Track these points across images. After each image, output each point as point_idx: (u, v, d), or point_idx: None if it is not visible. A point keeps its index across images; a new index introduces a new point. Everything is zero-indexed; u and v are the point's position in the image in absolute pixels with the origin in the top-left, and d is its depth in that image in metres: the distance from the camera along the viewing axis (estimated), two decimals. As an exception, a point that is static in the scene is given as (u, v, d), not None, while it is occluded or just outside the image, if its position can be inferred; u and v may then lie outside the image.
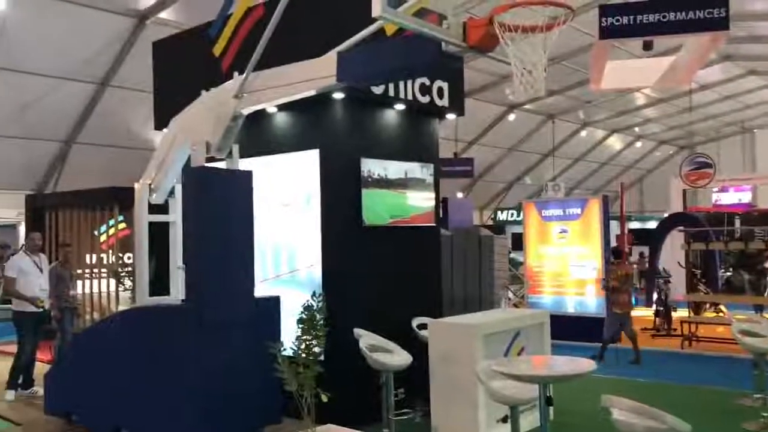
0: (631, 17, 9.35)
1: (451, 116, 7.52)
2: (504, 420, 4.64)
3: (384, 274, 6.78)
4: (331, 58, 5.07)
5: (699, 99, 22.51)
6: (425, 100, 7.01)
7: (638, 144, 30.28)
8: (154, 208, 6.44)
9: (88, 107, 15.34)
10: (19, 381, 7.91)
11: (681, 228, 13.66)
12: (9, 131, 14.42)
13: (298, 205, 6.78)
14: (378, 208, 6.70)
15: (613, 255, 10.62)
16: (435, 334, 5.99)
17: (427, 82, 7.01)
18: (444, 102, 7.20)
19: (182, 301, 6.05)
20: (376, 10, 4.05)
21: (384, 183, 6.75)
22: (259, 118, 6.73)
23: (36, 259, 7.98)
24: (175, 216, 6.45)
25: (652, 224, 20.78)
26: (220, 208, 5.79)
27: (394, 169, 6.85)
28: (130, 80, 14.57)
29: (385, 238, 6.80)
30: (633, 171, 31.96)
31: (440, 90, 7.14)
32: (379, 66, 5.02)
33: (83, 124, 15.68)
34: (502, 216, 22.46)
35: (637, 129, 28.20)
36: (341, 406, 5.22)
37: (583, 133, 26.86)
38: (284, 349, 4.56)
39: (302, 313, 4.60)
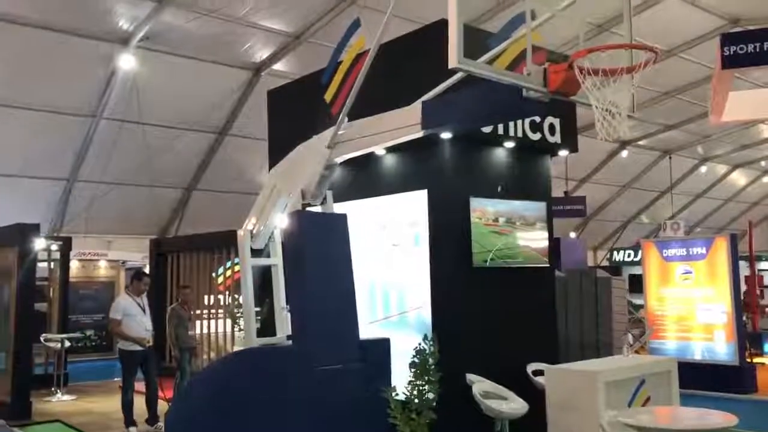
0: (757, 45, 8.83)
1: (563, 153, 7.28)
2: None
3: (495, 316, 6.58)
4: (416, 107, 5.18)
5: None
6: (536, 137, 6.84)
7: (765, 179, 28.43)
8: (258, 253, 6.62)
9: (207, 155, 16.08)
10: (133, 416, 8.20)
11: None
12: (137, 180, 15.29)
13: (407, 245, 6.73)
14: (488, 247, 6.54)
15: None
16: (553, 380, 5.70)
17: (538, 119, 6.85)
18: (556, 138, 7.00)
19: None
20: (452, 61, 4.14)
21: (494, 222, 6.60)
22: (368, 160, 6.78)
23: (139, 301, 8.32)
24: (276, 259, 6.64)
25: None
26: (318, 250, 5.90)
27: (504, 208, 6.69)
28: (245, 129, 15.21)
29: (496, 278, 6.62)
30: (760, 208, 29.97)
31: (551, 126, 6.96)
32: (460, 114, 5.08)
33: (203, 172, 16.42)
34: (618, 256, 21.50)
35: (763, 163, 26.51)
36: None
37: (703, 169, 25.51)
38: (396, 394, 4.44)
39: (414, 357, 4.48)
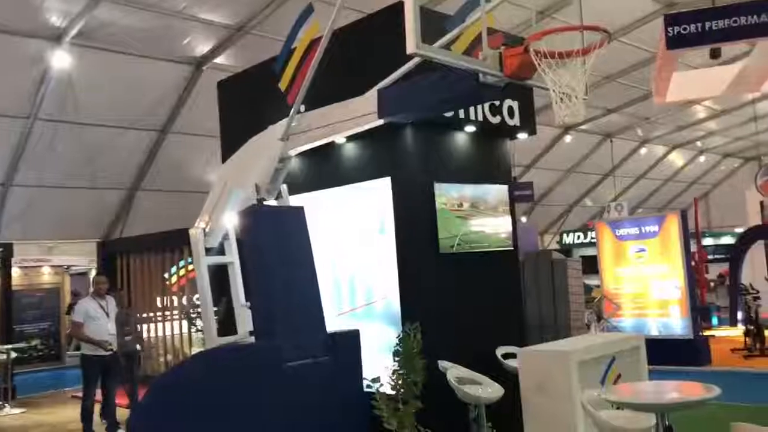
0: (700, 25, 8.98)
1: (522, 136, 7.26)
2: (616, 453, 4.29)
3: (464, 302, 6.52)
4: (372, 95, 5.11)
5: (764, 108, 21.69)
6: (496, 120, 6.79)
7: (701, 158, 29.35)
8: (211, 251, 6.47)
9: (150, 154, 15.60)
10: (93, 425, 7.98)
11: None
12: (77, 182, 14.72)
13: (371, 234, 6.61)
14: (454, 233, 6.47)
15: None
16: (526, 363, 5.67)
17: (497, 103, 6.81)
18: (515, 121, 6.97)
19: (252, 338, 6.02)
20: (410, 47, 4.11)
21: (458, 207, 6.53)
22: (328, 148, 6.63)
23: (102, 303, 8.09)
24: (231, 257, 6.51)
25: (726, 240, 19.94)
26: (277, 245, 5.79)
27: (468, 192, 6.63)
28: (189, 126, 14.79)
29: (463, 264, 6.55)
30: (697, 186, 30.95)
31: (510, 109, 6.92)
32: (418, 101, 5.04)
33: (146, 171, 15.94)
34: (568, 239, 21.85)
35: (699, 143, 27.35)
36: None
37: (643, 151, 26.15)
38: (381, 385, 4.31)
39: (398, 345, 4.36)
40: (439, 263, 6.39)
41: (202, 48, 13.48)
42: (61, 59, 11.79)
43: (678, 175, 29.48)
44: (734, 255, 13.83)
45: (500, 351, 6.44)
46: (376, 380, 4.28)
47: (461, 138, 6.80)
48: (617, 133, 23.82)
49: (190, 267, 10.77)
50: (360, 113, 5.27)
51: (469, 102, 6.10)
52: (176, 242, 10.38)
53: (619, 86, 18.58)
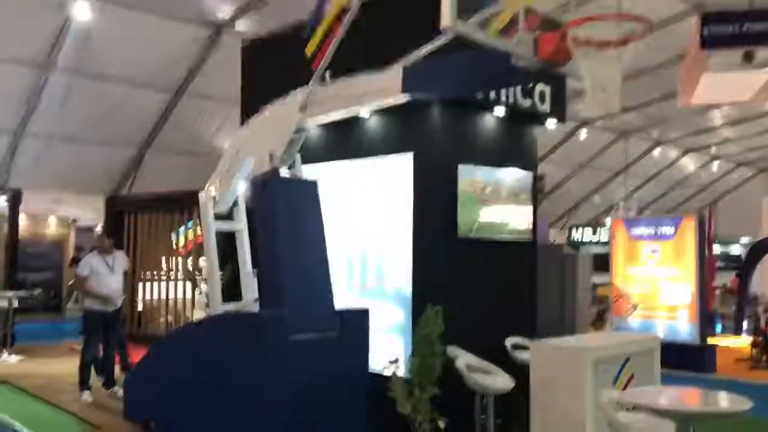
0: (737, 25, 8.76)
1: (551, 122, 7.08)
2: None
3: (477, 289, 6.38)
4: (396, 71, 4.94)
5: (784, 119, 21.42)
6: (527, 104, 6.61)
7: (714, 165, 29.09)
8: (220, 218, 6.39)
9: (163, 115, 15.47)
10: (90, 380, 7.93)
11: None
12: (89, 137, 14.64)
13: (388, 211, 6.46)
14: (474, 217, 6.32)
15: None
16: (538, 356, 5.53)
17: (530, 85, 6.62)
18: (545, 107, 6.78)
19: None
20: (445, 20, 4.01)
21: (481, 191, 6.37)
22: (349, 119, 6.45)
23: (108, 259, 8.02)
24: (240, 224, 6.44)
25: (735, 249, 19.77)
26: (289, 215, 5.71)
27: (491, 176, 6.46)
28: (203, 90, 14.66)
29: (480, 250, 6.40)
30: (706, 194, 30.72)
31: (542, 94, 6.73)
32: (445, 80, 4.89)
33: (158, 132, 15.83)
34: (576, 235, 21.68)
35: (713, 149, 27.06)
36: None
37: (656, 153, 25.90)
38: (398, 368, 4.17)
39: (419, 329, 4.23)
40: (456, 247, 6.24)
41: (224, 13, 13.29)
42: (81, 11, 11.63)
43: (688, 180, 29.24)
44: (744, 265, 13.71)
45: (509, 342, 6.31)
46: (393, 362, 4.13)
47: (489, 120, 6.61)
48: (632, 132, 23.58)
49: (199, 231, 10.66)
50: (383, 88, 5.11)
51: (498, 84, 5.94)
52: (186, 204, 10.25)
53: (639, 85, 18.30)
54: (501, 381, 5.42)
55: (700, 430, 3.97)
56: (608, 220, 24.81)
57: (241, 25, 13.50)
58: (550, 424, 5.37)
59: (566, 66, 4.70)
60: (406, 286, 6.25)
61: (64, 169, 14.72)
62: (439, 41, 4.68)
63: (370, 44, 6.13)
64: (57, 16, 11.91)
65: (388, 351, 6.25)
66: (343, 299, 6.41)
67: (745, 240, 24.39)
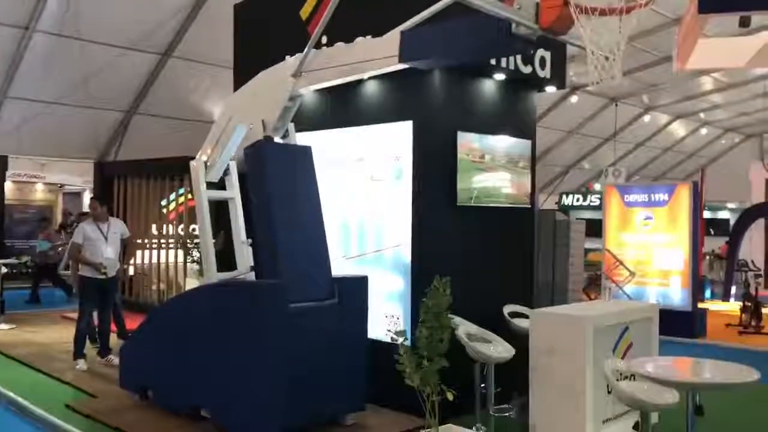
0: (735, -11, 8.65)
1: (550, 89, 6.98)
2: (635, 427, 4.18)
3: (476, 257, 6.34)
4: (394, 37, 4.82)
5: (770, 85, 21.36)
6: (527, 70, 6.49)
7: (703, 131, 29.10)
8: (212, 186, 6.30)
9: (150, 77, 15.16)
10: (84, 349, 7.89)
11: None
12: (73, 100, 14.29)
13: (387, 179, 6.37)
14: (473, 185, 6.25)
15: None
16: (538, 325, 5.52)
17: (530, 53, 6.50)
18: (546, 73, 6.67)
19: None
20: None
21: (480, 159, 6.29)
22: (348, 86, 6.31)
23: (103, 227, 7.93)
24: (233, 192, 6.35)
25: (723, 214, 19.88)
26: (283, 182, 5.64)
27: (491, 144, 6.38)
28: (191, 52, 14.32)
29: (479, 218, 6.35)
30: (695, 159, 30.80)
31: (542, 60, 6.60)
32: (443, 47, 4.75)
33: (145, 95, 15.52)
34: (566, 200, 21.73)
35: (702, 115, 27.04)
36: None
37: (646, 118, 25.82)
38: (405, 339, 4.12)
39: (427, 299, 4.18)
40: (455, 215, 6.18)
41: (213, -30, 12.95)
42: (64, -30, 11.24)
43: (677, 146, 29.27)
44: (734, 231, 13.78)
45: (507, 309, 6.30)
46: (400, 333, 4.08)
47: (489, 86, 6.50)
48: (623, 97, 23.47)
49: (189, 196, 10.51)
50: (380, 55, 4.99)
51: (498, 52, 5.79)
52: (177, 170, 10.10)
53: (630, 51, 18.09)
54: (502, 350, 5.41)
55: (704, 397, 3.97)
56: (597, 186, 24.92)
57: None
58: (550, 392, 5.38)
59: (567, 34, 4.64)
60: (405, 254, 6.19)
61: (49, 133, 14.44)
62: (437, 6, 4.57)
63: (368, 5, 5.98)
64: (39, -26, 11.55)
65: (388, 318, 6.27)
66: (341, 267, 6.37)
67: (731, 205, 24.52)
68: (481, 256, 6.40)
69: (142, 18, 13.31)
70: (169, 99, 15.52)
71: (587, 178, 26.39)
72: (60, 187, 15.29)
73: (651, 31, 16.87)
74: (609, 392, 5.29)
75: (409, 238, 6.16)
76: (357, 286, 5.89)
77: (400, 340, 3.98)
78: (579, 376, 5.16)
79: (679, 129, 28.21)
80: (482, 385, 5.60)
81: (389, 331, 4.36)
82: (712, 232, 15.77)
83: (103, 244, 7.84)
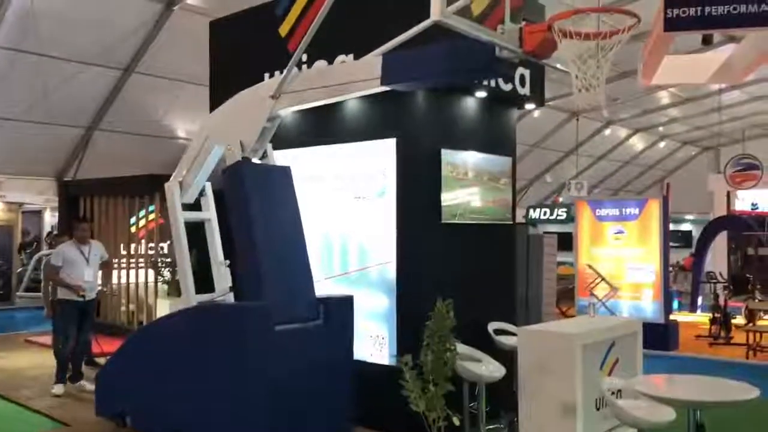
0: (699, 9, 8.81)
1: (530, 106, 7.01)
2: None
3: (462, 274, 6.30)
4: (375, 60, 4.83)
5: (726, 99, 21.98)
6: (507, 88, 6.51)
7: (661, 144, 29.76)
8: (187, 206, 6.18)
9: (111, 93, 14.87)
10: (68, 374, 7.66)
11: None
12: (32, 116, 13.95)
13: (370, 197, 6.30)
14: (458, 202, 6.22)
15: None
16: (525, 342, 5.48)
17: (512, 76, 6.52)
18: (526, 90, 6.70)
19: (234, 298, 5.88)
20: (435, 13, 3.91)
21: (464, 176, 6.27)
22: (332, 103, 6.25)
23: (84, 249, 7.73)
24: (209, 213, 6.24)
25: (686, 226, 20.28)
26: (263, 202, 5.57)
27: (473, 161, 6.37)
28: (154, 67, 14.10)
29: (464, 235, 6.32)
30: (654, 172, 31.46)
31: (522, 77, 6.64)
32: (426, 70, 4.77)
33: (106, 111, 15.21)
34: (534, 214, 21.95)
35: (661, 129, 27.68)
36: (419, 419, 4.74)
37: (607, 132, 26.32)
38: (407, 364, 4.03)
39: (431, 322, 4.11)
40: (440, 232, 6.14)
41: (174, -14, 12.77)
42: (22, -17, 10.97)
43: (637, 159, 29.86)
44: (700, 243, 14.05)
45: (492, 327, 6.26)
46: (405, 357, 3.99)
47: (471, 103, 6.50)
48: (584, 112, 23.86)
49: (159, 214, 10.28)
50: (362, 77, 4.97)
51: (481, 75, 5.84)
52: (145, 188, 9.87)
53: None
54: (493, 368, 5.37)
55: (704, 415, 3.98)
56: (561, 199, 25.21)
57: (194, 0, 13.01)
58: (540, 409, 5.34)
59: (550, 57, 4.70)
60: (391, 272, 6.12)
61: (6, 150, 14.07)
62: (418, 28, 4.53)
63: (350, 21, 5.92)
64: (-4, -12, 11.25)
65: (372, 338, 6.18)
66: (323, 286, 6.27)
67: (690, 216, 25.07)
68: (465, 273, 6.36)
69: (103, 34, 13.07)
70: (131, 115, 15.24)
71: (550, 191, 26.71)
72: (20, 206, 14.81)
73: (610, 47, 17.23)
74: (598, 409, 5.32)
75: (394, 255, 6.10)
76: (343, 307, 5.81)
77: (406, 363, 3.89)
78: (569, 393, 5.13)
79: (638, 142, 28.80)
80: (471, 405, 5.55)
81: (394, 356, 4.26)
82: (676, 245, 16.00)
83: (84, 266, 7.62)
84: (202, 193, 6.22)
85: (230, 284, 6.06)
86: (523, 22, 4.38)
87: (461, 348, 5.52)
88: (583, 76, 4.43)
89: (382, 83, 4.83)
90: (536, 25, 4.33)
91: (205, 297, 6.01)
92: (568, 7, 4.69)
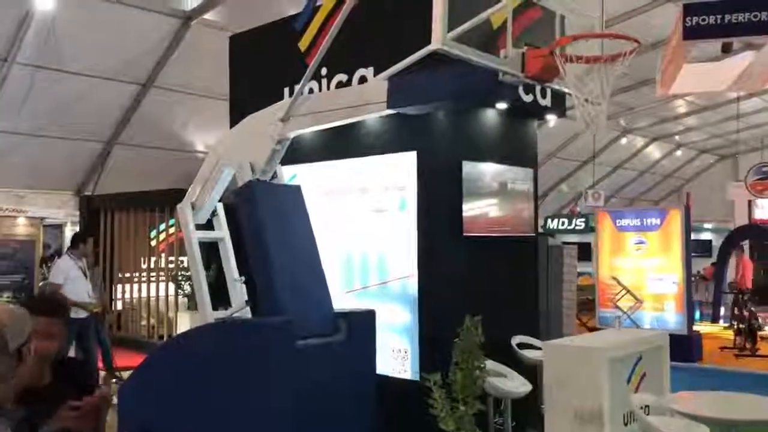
0: (719, 16, 8.75)
1: (551, 117, 6.97)
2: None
3: (484, 288, 6.25)
4: (381, 84, 4.85)
5: (744, 107, 21.79)
6: (529, 98, 6.47)
7: (678, 153, 29.55)
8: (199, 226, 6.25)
9: (130, 108, 14.99)
10: None
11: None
12: (52, 131, 14.10)
13: (391, 211, 6.27)
14: (480, 215, 6.17)
15: None
16: (551, 356, 5.41)
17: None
18: (546, 101, 6.66)
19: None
20: (436, 42, 4.01)
21: (485, 188, 6.23)
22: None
23: (81, 264, 7.77)
24: (222, 233, 6.28)
25: (706, 235, 20.07)
26: (275, 220, 5.58)
27: (495, 173, 6.33)
28: (172, 82, 14.23)
29: (486, 248, 6.27)
30: (671, 180, 31.23)
31: (543, 89, 6.60)
32: (431, 94, 4.78)
33: (125, 125, 15.34)
34: (552, 224, 21.83)
35: (677, 137, 27.50)
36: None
37: (623, 141, 26.18)
38: (435, 383, 3.98)
39: (460, 339, 4.06)
40: (462, 246, 6.10)
41: (193, 1, 12.86)
42: (44, 1, 11.09)
43: (653, 168, 29.66)
44: (721, 253, 13.88)
45: (515, 341, 6.20)
46: (433, 375, 3.95)
47: (491, 115, 6.47)
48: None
49: (179, 227, 10.33)
50: (369, 101, 4.97)
51: (485, 98, 5.83)
52: (165, 201, 9.92)
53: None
54: (519, 384, 5.30)
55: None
56: (578, 208, 25.03)
57: (211, 14, 13.11)
58: (566, 424, 5.26)
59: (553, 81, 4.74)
60: (412, 286, 6.08)
61: (27, 165, 14.20)
62: (419, 54, 4.56)
63: (369, 36, 5.93)
64: (19, 7, 11.37)
65: (395, 353, 6.14)
66: (342, 300, 6.24)
67: (708, 225, 24.82)
68: (488, 286, 6.31)
69: (122, 49, 13.20)
70: (150, 129, 15.35)
71: (566, 201, 26.56)
72: (41, 220, 14.93)
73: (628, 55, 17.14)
74: (626, 424, 5.23)
75: (415, 269, 6.06)
76: (365, 321, 5.77)
77: (434, 381, 3.85)
78: (596, 408, 5.05)
79: (655, 151, 28.61)
80: (495, 420, 5.48)
81: (423, 375, 4.21)
82: (696, 254, 15.79)
83: (84, 281, 7.65)
84: (213, 214, 6.27)
85: (246, 299, 6.08)
86: (526, 48, 4.42)
87: (487, 363, 5.48)
88: (582, 95, 4.46)
89: (389, 106, 4.84)
90: (538, 50, 4.35)
91: (222, 313, 6.03)
92: (580, 28, 4.72)
